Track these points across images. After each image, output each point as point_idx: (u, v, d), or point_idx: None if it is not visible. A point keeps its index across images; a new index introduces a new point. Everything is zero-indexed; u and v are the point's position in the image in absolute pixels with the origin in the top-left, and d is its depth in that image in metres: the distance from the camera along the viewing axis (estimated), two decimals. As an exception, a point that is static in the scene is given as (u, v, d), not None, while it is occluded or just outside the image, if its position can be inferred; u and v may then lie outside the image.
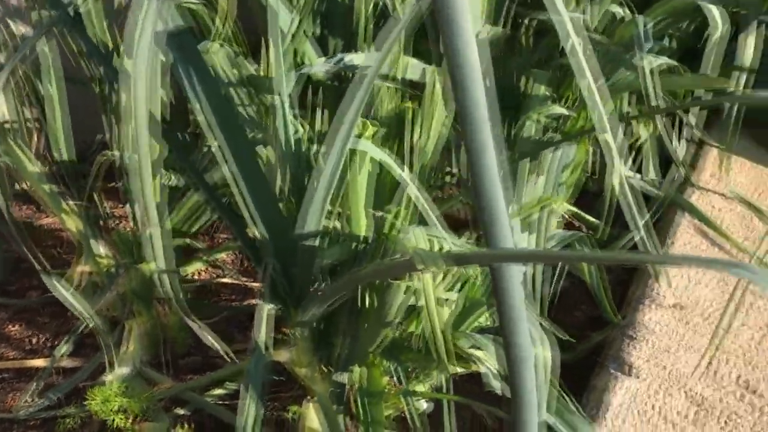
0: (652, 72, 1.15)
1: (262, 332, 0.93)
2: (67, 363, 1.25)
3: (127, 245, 1.17)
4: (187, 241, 1.26)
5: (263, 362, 0.93)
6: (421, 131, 0.94)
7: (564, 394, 0.98)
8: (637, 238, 1.00)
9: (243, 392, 0.93)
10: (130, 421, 1.11)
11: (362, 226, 0.90)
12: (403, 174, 0.83)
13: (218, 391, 1.19)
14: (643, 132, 1.50)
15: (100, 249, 1.22)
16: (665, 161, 1.53)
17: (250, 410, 0.94)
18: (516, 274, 0.65)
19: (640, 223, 0.95)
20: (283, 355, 1.12)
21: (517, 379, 0.71)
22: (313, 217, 0.83)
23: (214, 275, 1.48)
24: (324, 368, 1.04)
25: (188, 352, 1.28)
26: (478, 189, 0.61)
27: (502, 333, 0.69)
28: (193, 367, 1.27)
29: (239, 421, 0.95)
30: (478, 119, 0.59)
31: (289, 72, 1.08)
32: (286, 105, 0.80)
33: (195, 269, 1.45)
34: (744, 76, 1.39)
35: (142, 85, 0.63)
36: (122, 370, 1.19)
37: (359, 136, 0.86)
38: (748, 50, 1.34)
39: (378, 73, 0.71)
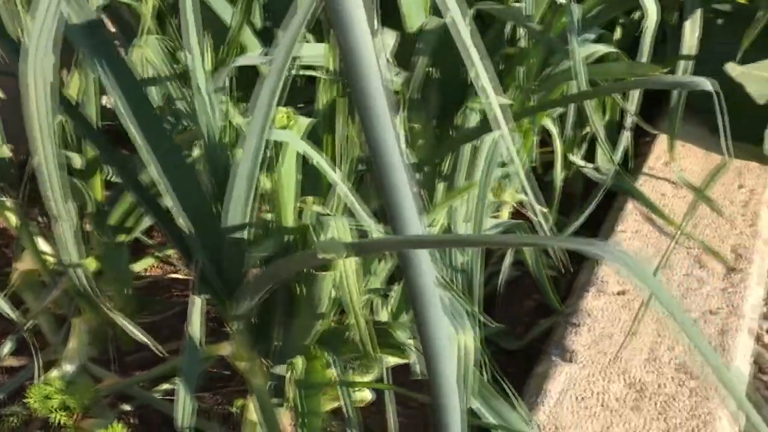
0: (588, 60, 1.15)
1: (194, 326, 0.93)
2: (12, 362, 1.25)
3: (68, 242, 1.16)
4: (131, 236, 1.25)
5: (197, 356, 0.93)
6: (350, 123, 0.94)
7: (504, 382, 0.99)
8: (535, 220, 1.01)
9: (178, 386, 0.93)
10: (73, 418, 1.10)
11: (290, 219, 0.90)
12: (324, 164, 0.83)
13: (165, 386, 1.19)
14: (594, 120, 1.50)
15: (45, 247, 1.22)
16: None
17: (185, 404, 0.94)
18: (425, 260, 0.66)
19: (537, 206, 0.95)
20: (225, 349, 1.12)
21: (433, 366, 0.71)
22: (236, 210, 0.82)
23: (167, 271, 1.48)
24: (264, 361, 1.04)
25: (136, 349, 1.27)
26: (381, 176, 0.61)
27: (415, 320, 0.69)
28: (141, 363, 1.26)
29: (176, 414, 0.95)
30: (376, 110, 0.59)
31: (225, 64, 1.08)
32: (205, 97, 0.80)
33: (146, 265, 1.45)
34: (690, 64, 1.41)
35: (40, 72, 0.62)
36: (67, 368, 1.19)
37: (284, 127, 0.86)
38: (692, 38, 1.35)
39: (288, 61, 0.71)
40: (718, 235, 1.36)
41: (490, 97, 0.67)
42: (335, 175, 0.84)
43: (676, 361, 1.11)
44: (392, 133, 0.60)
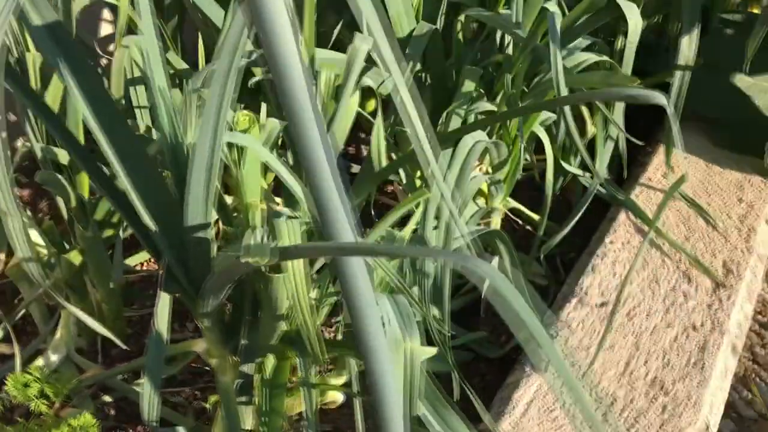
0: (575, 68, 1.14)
1: (161, 322, 0.95)
2: (3, 349, 1.29)
3: (55, 235, 1.19)
4: (126, 232, 1.28)
5: (162, 351, 0.95)
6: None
7: (469, 390, 0.99)
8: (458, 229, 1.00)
9: (144, 380, 0.95)
10: (53, 406, 1.13)
11: (257, 219, 0.91)
12: (283, 169, 0.84)
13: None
14: (590, 129, 1.49)
15: (38, 239, 1.25)
16: (617, 159, 1.52)
17: (151, 397, 0.96)
18: (358, 265, 0.66)
19: (456, 212, 0.94)
20: (199, 345, 1.14)
21: (371, 371, 0.72)
22: (196, 210, 0.84)
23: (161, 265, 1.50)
24: (234, 359, 1.06)
25: (124, 341, 1.30)
26: (309, 179, 0.62)
27: (352, 326, 0.69)
28: (127, 355, 1.29)
29: (141, 407, 0.97)
30: (302, 117, 0.60)
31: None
32: (160, 99, 0.81)
33: (141, 260, 1.48)
34: (687, 75, 1.38)
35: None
36: (52, 357, 1.22)
37: (245, 130, 0.87)
38: (690, 49, 1.32)
39: (233, 63, 0.72)
40: (711, 249, 1.33)
41: (414, 123, 0.66)
42: (294, 181, 0.85)
43: (650, 376, 1.10)
44: (317, 136, 0.60)
